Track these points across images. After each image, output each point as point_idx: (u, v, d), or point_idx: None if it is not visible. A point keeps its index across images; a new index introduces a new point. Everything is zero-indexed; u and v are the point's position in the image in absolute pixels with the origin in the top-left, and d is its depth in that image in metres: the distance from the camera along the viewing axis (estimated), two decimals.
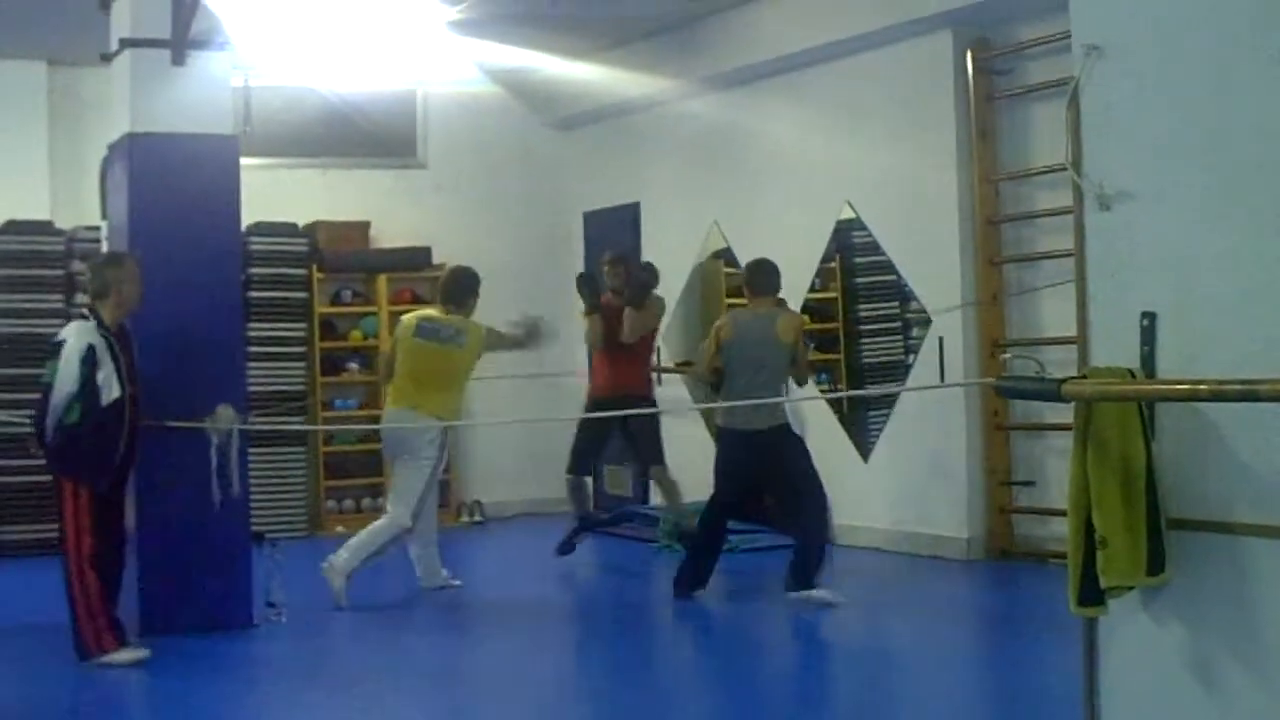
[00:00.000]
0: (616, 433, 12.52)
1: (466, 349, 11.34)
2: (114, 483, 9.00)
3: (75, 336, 8.84)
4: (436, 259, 15.45)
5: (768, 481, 10.67)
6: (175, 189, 9.77)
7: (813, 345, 13.74)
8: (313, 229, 14.99)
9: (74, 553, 8.84)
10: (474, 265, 15.47)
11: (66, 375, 8.75)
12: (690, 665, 9.50)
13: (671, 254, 15.00)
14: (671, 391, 15.05)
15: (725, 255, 14.73)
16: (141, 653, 8.98)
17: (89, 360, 8.77)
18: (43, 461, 9.12)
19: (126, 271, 9.06)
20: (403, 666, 9.07)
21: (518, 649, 9.67)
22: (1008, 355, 10.65)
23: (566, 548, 12.61)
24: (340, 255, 15.13)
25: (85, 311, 9.09)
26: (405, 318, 11.62)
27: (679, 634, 10.48)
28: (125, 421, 8.95)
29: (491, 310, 15.71)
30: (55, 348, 8.86)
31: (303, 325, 14.77)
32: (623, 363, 12.39)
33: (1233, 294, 4.13)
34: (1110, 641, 4.45)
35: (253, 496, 10.58)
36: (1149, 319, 4.27)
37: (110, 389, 8.85)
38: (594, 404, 12.49)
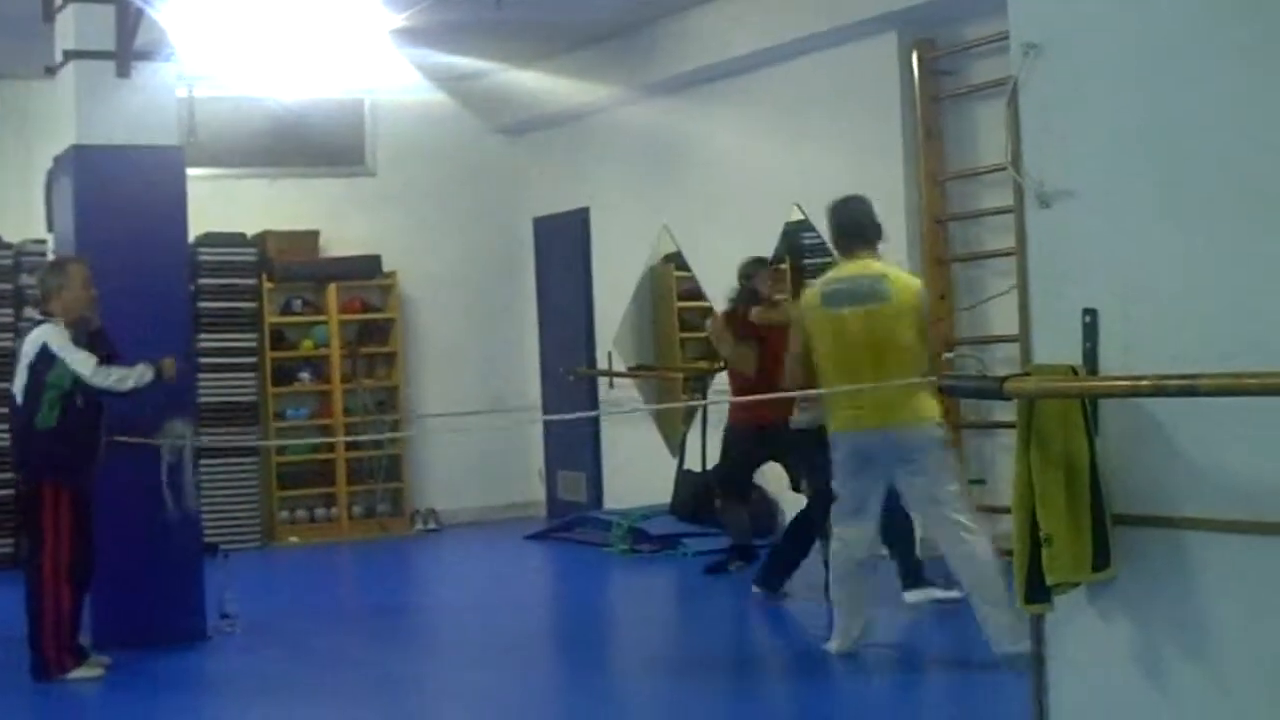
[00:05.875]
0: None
1: None
2: (88, 485, 8.99)
3: (54, 336, 8.81)
4: (386, 267, 15.44)
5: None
6: (121, 201, 9.72)
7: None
8: (261, 239, 14.94)
9: (50, 565, 8.80)
10: (425, 272, 15.68)
11: (81, 358, 8.77)
12: (647, 671, 9.48)
13: (622, 258, 15.03)
14: (622, 395, 15.08)
15: (676, 259, 14.74)
16: (99, 670, 8.97)
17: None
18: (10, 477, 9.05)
19: (67, 277, 9.01)
20: (357, 678, 9.05)
21: (471, 659, 9.66)
22: (951, 354, 10.68)
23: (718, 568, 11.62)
24: (290, 265, 15.08)
25: (40, 316, 9.08)
26: None
27: (640, 639, 10.47)
28: (99, 422, 9.00)
29: (443, 315, 15.82)
30: (41, 354, 8.79)
31: (253, 335, 14.71)
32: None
33: (1173, 290, 4.16)
34: (1057, 637, 4.48)
35: (205, 508, 10.55)
36: (1090, 315, 4.30)
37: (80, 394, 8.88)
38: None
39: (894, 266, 8.69)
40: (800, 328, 8.75)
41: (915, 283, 8.60)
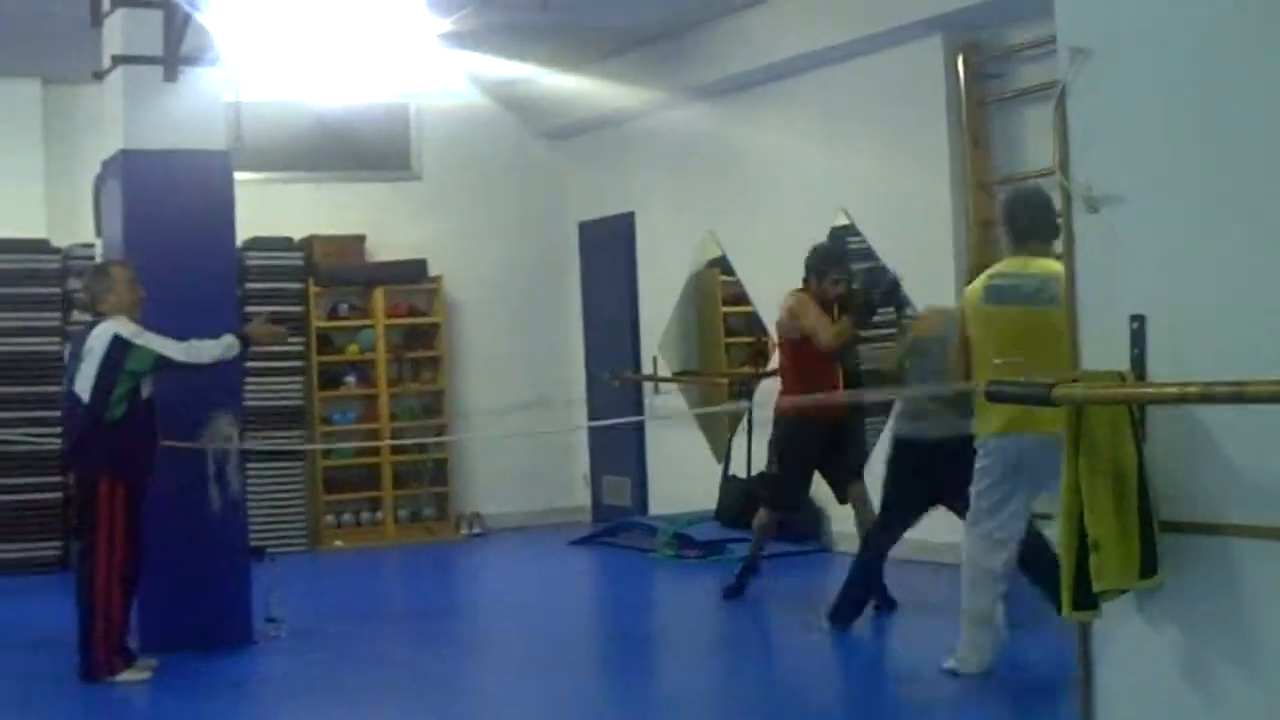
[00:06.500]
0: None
1: None
2: (143, 483, 9.03)
3: (123, 326, 8.88)
4: (432, 271, 15.47)
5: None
6: (169, 205, 9.76)
7: None
8: (308, 243, 14.99)
9: (105, 566, 8.83)
10: (471, 276, 15.70)
11: (158, 339, 8.87)
12: (694, 678, 9.47)
13: (667, 263, 15.04)
14: (668, 401, 15.09)
15: (721, 264, 14.74)
16: (146, 673, 9.00)
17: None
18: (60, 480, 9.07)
19: (111, 279, 9.06)
20: (403, 681, 9.06)
21: (517, 663, 9.67)
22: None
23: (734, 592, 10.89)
24: (336, 269, 15.12)
25: (93, 318, 9.13)
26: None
27: (685, 646, 10.47)
28: (155, 419, 9.06)
29: (488, 319, 15.85)
30: (117, 342, 8.82)
31: (300, 340, 14.75)
32: None
33: (1222, 295, 4.14)
34: (1105, 645, 4.46)
35: (251, 511, 10.58)
36: (1138, 321, 4.28)
37: (146, 384, 8.94)
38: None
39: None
40: (960, 322, 8.23)
41: None
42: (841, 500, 10.66)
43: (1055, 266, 7.70)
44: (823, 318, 10.23)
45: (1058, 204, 4.66)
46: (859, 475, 10.58)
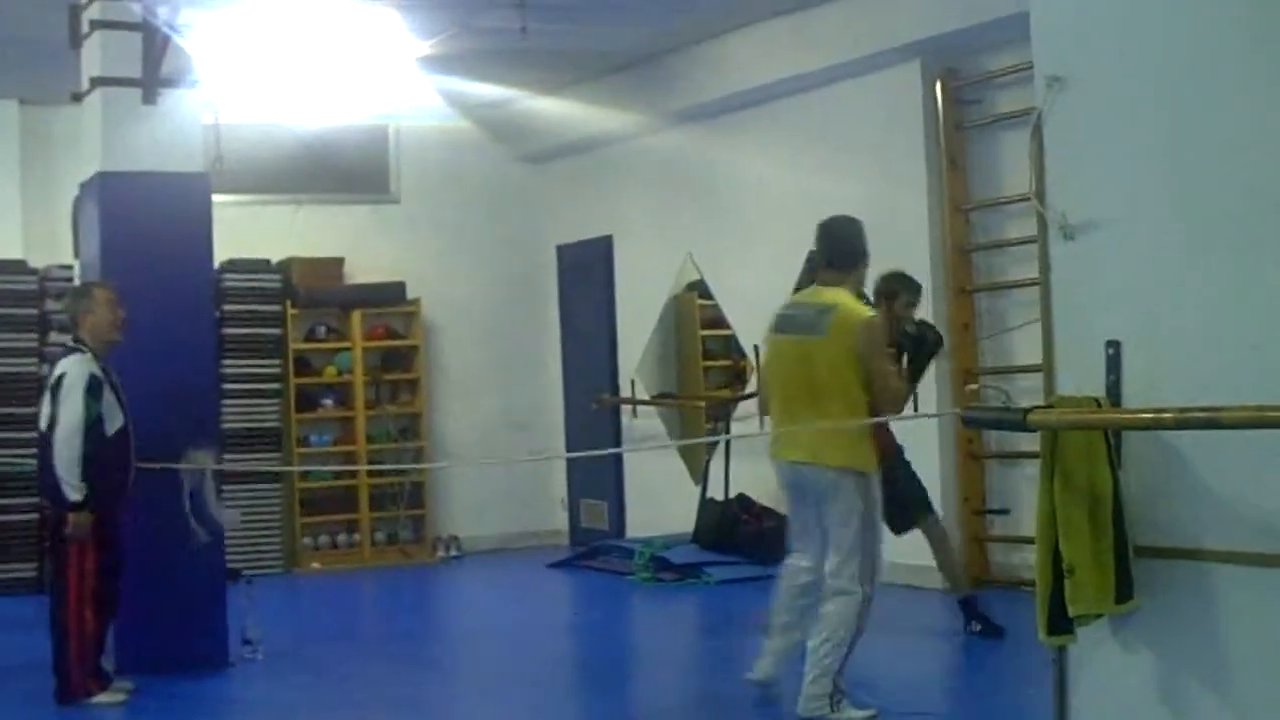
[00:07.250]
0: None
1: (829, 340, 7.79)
2: (115, 513, 8.95)
3: (74, 368, 8.77)
4: (410, 294, 15.45)
5: None
6: (147, 227, 9.73)
7: None
8: (286, 265, 14.96)
9: (76, 587, 8.78)
10: (449, 299, 15.68)
11: (72, 407, 8.68)
12: (666, 701, 9.46)
13: (646, 286, 15.04)
14: (645, 424, 15.09)
15: (700, 287, 14.75)
16: (122, 695, 8.95)
17: (93, 391, 8.74)
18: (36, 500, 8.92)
19: (93, 301, 9.00)
20: (380, 704, 9.04)
21: (494, 686, 9.65)
22: (975, 386, 10.65)
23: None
24: (314, 291, 15.09)
25: (71, 344, 9.02)
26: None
27: (661, 669, 10.46)
28: (130, 451, 8.95)
29: (466, 342, 15.84)
30: (57, 383, 8.76)
31: (277, 362, 14.72)
32: None
33: (1197, 322, 4.16)
34: (1080, 669, 4.47)
35: (228, 534, 10.55)
36: (1114, 348, 4.30)
37: (113, 419, 8.84)
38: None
39: (850, 299, 7.85)
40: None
41: (860, 320, 7.69)
42: (897, 532, 9.63)
43: (836, 296, 7.80)
44: None
45: (1034, 229, 4.66)
46: (928, 508, 10.07)
